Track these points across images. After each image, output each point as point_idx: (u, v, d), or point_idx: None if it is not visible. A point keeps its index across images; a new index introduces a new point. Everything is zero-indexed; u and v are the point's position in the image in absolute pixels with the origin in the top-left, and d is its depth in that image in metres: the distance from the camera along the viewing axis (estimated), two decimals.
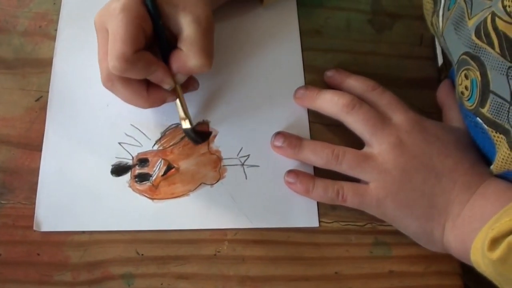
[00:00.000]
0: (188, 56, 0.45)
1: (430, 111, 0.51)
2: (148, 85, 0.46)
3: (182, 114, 0.48)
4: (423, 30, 0.54)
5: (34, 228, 0.46)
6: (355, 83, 0.50)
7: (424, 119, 0.48)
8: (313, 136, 0.51)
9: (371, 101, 0.49)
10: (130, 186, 0.48)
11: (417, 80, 0.54)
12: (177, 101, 0.48)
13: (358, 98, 0.48)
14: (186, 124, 0.48)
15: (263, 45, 0.54)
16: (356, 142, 0.48)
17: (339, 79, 0.51)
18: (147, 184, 0.48)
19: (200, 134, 0.49)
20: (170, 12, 0.45)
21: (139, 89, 0.46)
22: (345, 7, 0.56)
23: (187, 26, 0.44)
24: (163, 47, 0.46)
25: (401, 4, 0.57)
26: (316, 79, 0.53)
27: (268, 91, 0.52)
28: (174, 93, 0.47)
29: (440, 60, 0.59)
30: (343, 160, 0.46)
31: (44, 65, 0.52)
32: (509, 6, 0.35)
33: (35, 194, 0.47)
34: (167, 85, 0.46)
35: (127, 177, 0.48)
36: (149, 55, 0.44)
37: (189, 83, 0.49)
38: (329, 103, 0.49)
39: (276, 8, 0.55)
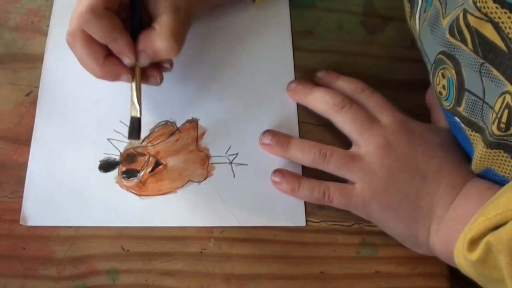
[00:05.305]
0: (159, 35, 0.44)
1: (420, 113, 0.51)
2: (108, 55, 0.45)
3: (134, 99, 0.45)
4: None
5: (21, 223, 0.46)
6: (344, 84, 0.50)
7: (411, 121, 0.48)
8: (303, 136, 0.51)
9: (360, 102, 0.49)
10: (117, 182, 0.48)
11: (407, 82, 0.54)
12: (133, 84, 0.46)
13: (349, 99, 0.48)
14: (135, 112, 0.45)
15: (255, 44, 0.54)
16: (346, 144, 0.48)
17: (329, 80, 0.51)
18: (134, 181, 0.48)
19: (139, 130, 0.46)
20: None
21: (97, 53, 0.44)
22: (337, 8, 0.56)
23: (166, 11, 0.44)
24: (135, 23, 0.45)
25: (393, 6, 0.57)
26: (306, 79, 0.53)
27: (258, 90, 0.52)
28: (131, 73, 0.45)
29: None
30: (330, 159, 0.46)
31: (35, 60, 0.52)
32: (479, 1, 0.36)
33: (22, 188, 0.47)
34: (127, 59, 0.44)
35: (114, 173, 0.48)
36: (117, 20, 0.43)
37: (152, 74, 0.47)
38: (320, 101, 0.49)
39: (268, 8, 0.55)
